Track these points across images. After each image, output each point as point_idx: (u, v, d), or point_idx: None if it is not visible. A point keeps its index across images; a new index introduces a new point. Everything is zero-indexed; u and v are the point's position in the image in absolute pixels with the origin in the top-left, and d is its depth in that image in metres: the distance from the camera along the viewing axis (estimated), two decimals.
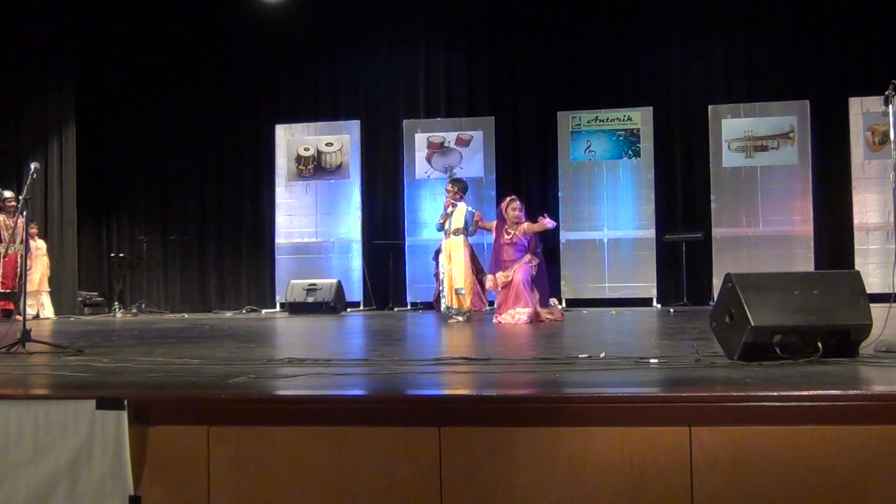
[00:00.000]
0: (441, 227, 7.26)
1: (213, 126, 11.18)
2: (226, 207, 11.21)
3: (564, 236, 9.97)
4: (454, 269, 7.07)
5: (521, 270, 6.99)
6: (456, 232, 7.18)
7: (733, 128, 9.71)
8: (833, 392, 2.36)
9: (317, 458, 2.45)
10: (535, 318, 6.77)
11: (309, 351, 4.40)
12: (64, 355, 4.10)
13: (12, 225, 8.68)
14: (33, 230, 9.95)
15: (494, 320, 6.93)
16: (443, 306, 7.10)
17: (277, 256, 10.64)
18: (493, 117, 10.36)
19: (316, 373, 3.16)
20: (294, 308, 9.48)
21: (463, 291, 7.04)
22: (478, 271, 8.09)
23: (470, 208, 7.39)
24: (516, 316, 6.77)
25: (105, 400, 2.51)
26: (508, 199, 7.21)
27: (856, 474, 2.24)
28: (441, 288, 7.01)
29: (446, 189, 7.40)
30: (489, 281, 7.12)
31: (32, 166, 4.72)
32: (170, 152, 11.27)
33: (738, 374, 2.83)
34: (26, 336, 4.28)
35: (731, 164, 9.69)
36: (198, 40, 11.00)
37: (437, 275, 9.52)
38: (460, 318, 6.92)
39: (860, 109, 9.31)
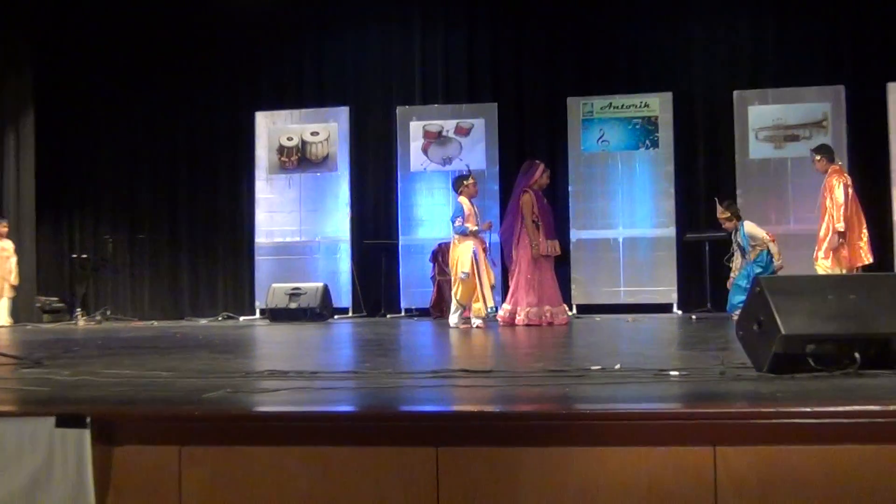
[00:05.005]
0: (470, 228, 7.34)
1: (185, 114, 11.18)
2: (200, 203, 11.21)
3: (575, 235, 9.98)
4: (487, 268, 7.39)
5: None
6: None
7: (761, 115, 9.72)
8: (872, 408, 2.35)
9: (301, 482, 2.44)
10: None
11: (292, 362, 4.39)
12: (20, 367, 4.09)
13: None
14: (3, 228, 9.93)
15: (527, 320, 7.31)
16: (487, 309, 7.28)
17: (257, 258, 10.64)
18: (496, 104, 10.37)
19: (300, 387, 3.16)
20: (276, 315, 9.49)
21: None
22: None
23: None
24: (557, 315, 7.42)
25: (66, 417, 2.50)
26: (541, 165, 7.71)
27: None
28: (480, 289, 7.18)
29: (469, 184, 7.54)
30: (553, 246, 7.58)
31: None
32: (138, 143, 11.27)
33: (768, 387, 2.83)
34: None
35: (758, 155, 9.71)
36: (169, 20, 10.99)
37: (433, 277, 9.55)
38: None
39: None
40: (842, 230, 7.30)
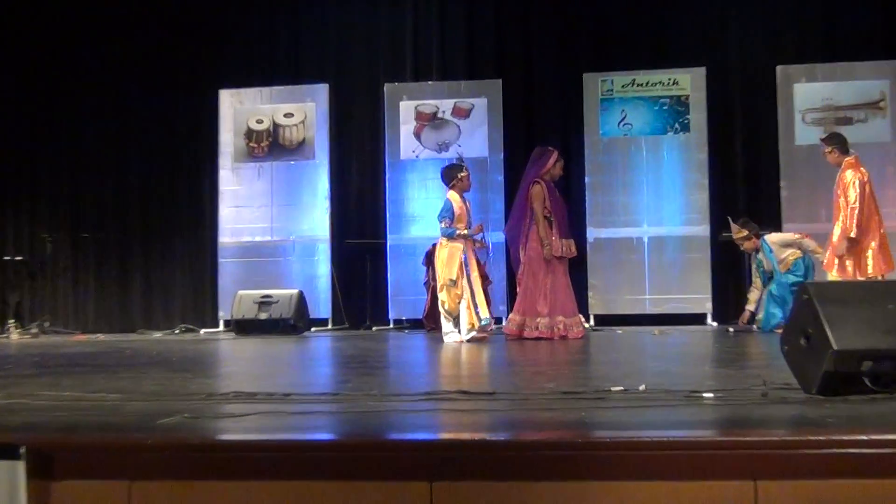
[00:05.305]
0: (460, 232, 7.40)
1: (137, 92, 11.15)
2: (154, 197, 11.20)
3: (592, 234, 9.99)
4: (480, 273, 7.45)
5: None
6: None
7: (809, 95, 9.75)
8: None
9: None
10: None
11: (262, 383, 4.41)
12: None
13: None
14: None
15: (537, 333, 7.36)
16: (479, 321, 7.26)
17: (221, 260, 10.64)
18: (501, 80, 10.38)
19: (271, 411, 3.16)
20: (242, 327, 9.49)
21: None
22: None
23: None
24: (571, 327, 7.45)
25: None
26: (554, 153, 7.75)
27: None
28: (471, 298, 7.24)
29: (463, 177, 7.59)
30: (567, 247, 7.60)
31: None
32: (83, 126, 11.26)
33: (817, 412, 2.84)
34: None
35: (805, 140, 9.72)
36: None
37: (427, 283, 9.55)
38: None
39: None
40: (854, 237, 7.18)
